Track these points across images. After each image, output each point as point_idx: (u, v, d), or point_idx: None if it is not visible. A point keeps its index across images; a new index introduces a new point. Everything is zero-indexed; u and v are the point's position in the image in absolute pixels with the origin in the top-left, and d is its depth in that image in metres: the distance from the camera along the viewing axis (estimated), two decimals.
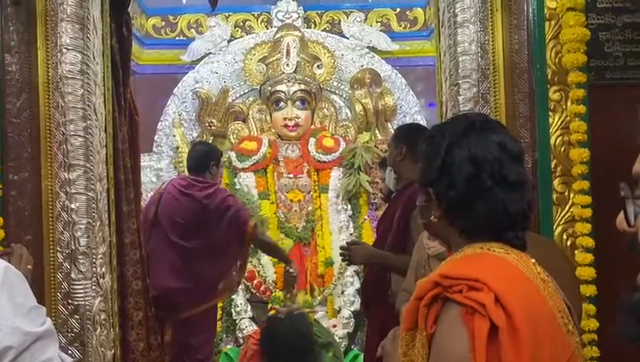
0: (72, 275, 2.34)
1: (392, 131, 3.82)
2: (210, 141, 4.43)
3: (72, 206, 2.35)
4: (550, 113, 2.20)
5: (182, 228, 3.15)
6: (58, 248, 2.35)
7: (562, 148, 2.19)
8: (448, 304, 0.98)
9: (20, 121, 2.38)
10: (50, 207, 2.37)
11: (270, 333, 2.83)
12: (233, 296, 4.01)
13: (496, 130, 1.10)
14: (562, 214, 2.17)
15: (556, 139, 2.19)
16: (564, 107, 2.19)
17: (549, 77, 2.20)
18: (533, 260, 1.07)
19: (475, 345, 0.93)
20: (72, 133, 2.37)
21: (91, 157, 2.41)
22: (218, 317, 3.94)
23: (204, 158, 3.31)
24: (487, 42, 2.35)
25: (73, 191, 2.36)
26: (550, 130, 2.19)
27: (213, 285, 3.18)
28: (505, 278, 1.00)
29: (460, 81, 2.37)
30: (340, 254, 2.68)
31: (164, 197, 3.22)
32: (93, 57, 2.46)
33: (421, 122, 4.35)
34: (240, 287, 4.01)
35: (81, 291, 2.34)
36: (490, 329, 0.94)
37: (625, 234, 0.79)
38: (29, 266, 1.64)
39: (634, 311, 0.74)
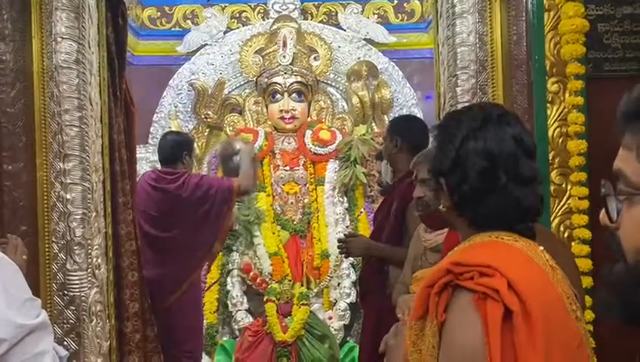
0: (68, 266, 2.33)
1: None
2: (205, 133, 4.41)
3: (68, 196, 2.34)
4: (548, 105, 2.20)
5: (155, 219, 3.14)
6: (53, 239, 2.33)
7: (560, 140, 2.18)
8: (458, 291, 0.98)
9: (15, 110, 2.36)
10: (46, 197, 2.35)
11: None
12: (229, 288, 4.01)
13: (512, 124, 1.09)
14: (559, 206, 2.17)
15: (554, 131, 2.19)
16: (562, 99, 2.19)
17: (548, 68, 2.19)
18: (542, 247, 1.08)
19: (488, 330, 0.93)
20: (67, 123, 2.36)
21: (87, 148, 2.39)
22: (214, 309, 3.94)
23: (176, 149, 3.27)
24: (485, 33, 2.35)
25: (68, 181, 2.34)
26: (548, 122, 2.19)
27: (188, 270, 3.17)
28: (516, 264, 1.00)
29: (458, 72, 2.37)
30: (338, 246, 2.68)
31: (137, 192, 3.19)
32: (89, 47, 2.43)
33: (418, 115, 4.34)
34: (236, 279, 4.02)
35: (77, 282, 2.33)
36: (503, 315, 0.94)
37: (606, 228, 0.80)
38: (24, 257, 1.63)
39: (615, 287, 0.74)
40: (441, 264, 1.03)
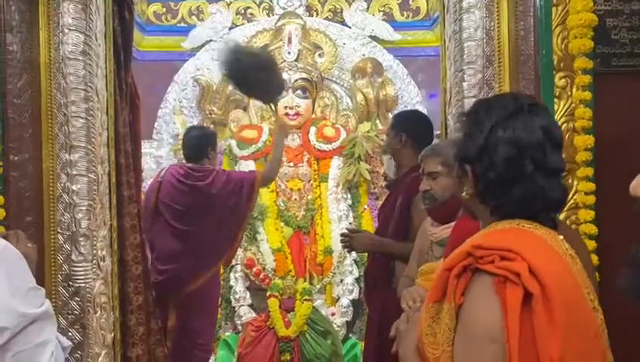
0: (73, 257, 2.33)
1: None
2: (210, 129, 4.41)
3: (73, 188, 2.34)
4: (555, 100, 2.19)
5: (181, 213, 3.18)
6: (59, 230, 2.34)
7: (567, 135, 2.18)
8: (478, 275, 0.98)
9: (21, 101, 2.36)
10: (51, 188, 2.35)
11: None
12: (232, 284, 4.01)
13: (542, 115, 1.10)
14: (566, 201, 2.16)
15: (561, 126, 2.18)
16: (569, 93, 2.18)
17: (555, 63, 2.19)
18: (561, 237, 1.08)
19: (507, 313, 0.93)
20: (73, 114, 2.36)
21: (93, 139, 2.39)
22: (217, 304, 3.94)
23: (201, 144, 3.32)
24: (492, 28, 2.34)
25: (74, 172, 2.35)
26: (555, 117, 2.18)
27: (213, 257, 3.22)
28: (537, 250, 1.01)
29: (464, 67, 2.36)
30: (341, 241, 2.67)
31: (163, 186, 3.23)
32: (96, 39, 2.43)
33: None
34: (239, 275, 4.02)
35: (82, 273, 2.33)
36: (523, 298, 0.94)
37: (636, 200, 0.79)
38: (29, 244, 1.61)
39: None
40: (461, 247, 1.03)
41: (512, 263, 0.96)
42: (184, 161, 3.43)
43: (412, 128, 2.57)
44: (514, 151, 1.05)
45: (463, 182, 1.12)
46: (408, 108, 4.36)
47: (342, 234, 2.68)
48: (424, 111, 4.43)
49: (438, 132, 2.90)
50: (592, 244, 2.12)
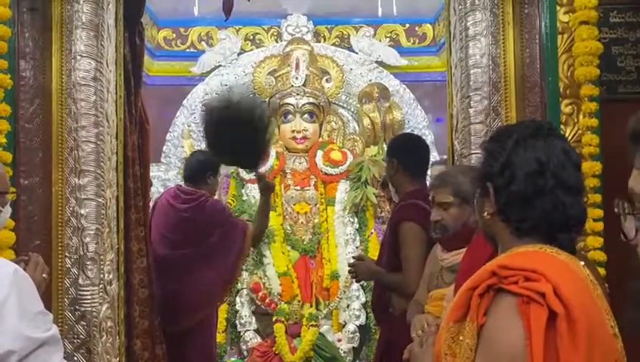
0: (80, 281, 2.33)
1: None
2: None
3: (82, 211, 2.36)
4: (562, 126, 2.20)
5: (167, 240, 3.07)
6: (67, 253, 2.35)
7: None
8: (501, 295, 0.98)
9: (33, 126, 2.40)
10: (60, 212, 2.37)
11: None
12: (238, 308, 3.99)
13: (561, 138, 1.13)
14: None
15: None
16: (575, 120, 2.19)
17: (561, 90, 2.20)
18: (582, 263, 1.09)
19: (531, 334, 0.93)
20: (83, 139, 2.39)
21: (102, 164, 2.41)
22: (223, 328, 3.91)
23: (200, 169, 3.23)
24: (498, 55, 2.37)
25: (83, 196, 2.36)
26: None
27: (202, 297, 3.08)
28: (560, 273, 1.01)
29: (471, 94, 2.38)
30: (349, 271, 2.66)
31: (157, 208, 3.17)
32: (107, 65, 2.48)
33: (429, 137, 4.35)
34: (245, 299, 3.99)
35: (89, 297, 2.33)
36: (547, 319, 0.94)
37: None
38: (44, 275, 1.62)
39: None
40: (486, 266, 1.03)
41: (536, 283, 0.97)
42: (170, 185, 3.36)
43: (403, 154, 2.54)
44: (535, 166, 1.07)
45: (484, 202, 1.13)
46: (415, 132, 4.36)
47: (349, 265, 2.67)
48: (431, 135, 4.46)
49: (445, 156, 2.90)
50: (601, 271, 2.10)
